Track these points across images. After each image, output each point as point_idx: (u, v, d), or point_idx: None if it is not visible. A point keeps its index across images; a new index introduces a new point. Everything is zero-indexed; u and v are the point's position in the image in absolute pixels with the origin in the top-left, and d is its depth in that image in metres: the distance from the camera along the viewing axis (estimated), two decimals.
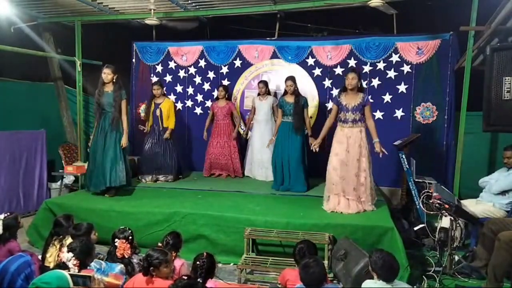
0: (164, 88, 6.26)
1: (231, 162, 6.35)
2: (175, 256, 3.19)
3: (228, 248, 4.21)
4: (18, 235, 3.57)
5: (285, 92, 5.55)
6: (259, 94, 6.27)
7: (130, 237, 3.34)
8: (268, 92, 6.25)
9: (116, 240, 3.27)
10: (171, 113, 6.04)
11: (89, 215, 4.42)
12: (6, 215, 3.41)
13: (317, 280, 2.62)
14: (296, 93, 5.48)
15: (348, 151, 4.40)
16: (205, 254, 2.83)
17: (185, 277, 2.53)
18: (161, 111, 5.98)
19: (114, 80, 5.03)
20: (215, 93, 6.54)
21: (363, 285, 2.74)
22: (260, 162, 6.18)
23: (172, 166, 6.09)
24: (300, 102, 5.45)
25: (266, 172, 6.12)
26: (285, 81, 5.51)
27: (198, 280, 2.64)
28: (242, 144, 6.64)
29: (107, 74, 4.99)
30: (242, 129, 6.78)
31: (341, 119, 4.53)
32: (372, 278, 2.74)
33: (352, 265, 3.31)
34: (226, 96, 6.38)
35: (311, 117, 6.22)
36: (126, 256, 3.23)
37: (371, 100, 4.92)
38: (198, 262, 2.77)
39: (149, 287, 2.65)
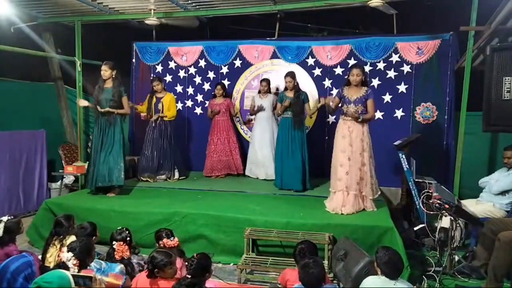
0: (164, 88, 6.27)
1: (232, 159, 6.37)
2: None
3: (228, 248, 4.20)
4: (17, 236, 3.56)
5: (286, 88, 5.56)
6: (259, 92, 6.28)
7: (128, 238, 3.35)
8: (269, 91, 6.26)
9: (114, 242, 3.28)
10: (171, 105, 6.08)
11: (89, 215, 4.41)
12: (9, 218, 3.39)
13: (316, 280, 2.62)
14: (296, 88, 5.48)
15: (351, 145, 4.41)
16: (195, 254, 2.83)
17: (189, 276, 2.53)
18: (163, 104, 6.01)
19: (113, 76, 5.05)
20: (215, 91, 6.52)
21: (365, 281, 2.75)
22: (260, 160, 6.18)
23: (172, 162, 6.09)
24: (300, 97, 5.43)
25: (266, 171, 6.13)
26: (285, 77, 5.51)
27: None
28: (243, 140, 6.65)
29: (104, 70, 5.01)
30: (241, 129, 6.81)
31: (343, 112, 4.53)
32: (373, 275, 2.77)
33: (352, 265, 3.31)
34: (224, 94, 6.39)
35: (311, 117, 6.23)
36: (125, 258, 3.24)
37: None
38: (187, 262, 2.79)
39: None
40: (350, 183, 4.41)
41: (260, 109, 6.14)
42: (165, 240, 3.37)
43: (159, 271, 2.66)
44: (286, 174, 5.44)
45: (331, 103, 4.73)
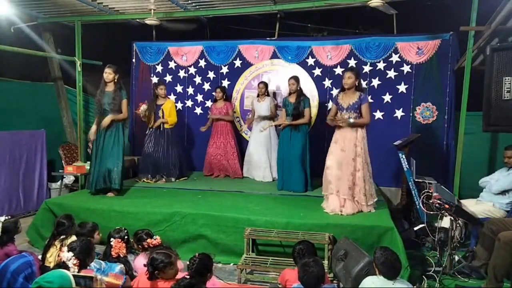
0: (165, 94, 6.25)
1: (229, 163, 6.36)
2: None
3: (228, 248, 4.20)
4: (17, 236, 3.57)
5: (289, 92, 5.55)
6: (258, 95, 6.27)
7: (126, 237, 3.36)
8: (267, 93, 6.25)
9: (111, 240, 3.28)
10: (172, 111, 6.05)
11: (89, 215, 4.41)
12: (6, 218, 3.40)
13: (315, 279, 2.62)
14: (298, 92, 5.47)
15: (344, 150, 4.37)
16: (197, 254, 2.82)
17: (187, 277, 2.53)
18: (163, 112, 5.99)
19: (115, 80, 5.05)
20: (215, 94, 6.52)
21: (365, 280, 2.75)
22: (257, 162, 6.18)
23: (173, 168, 6.08)
24: (302, 102, 5.43)
25: (264, 173, 6.14)
26: (288, 80, 5.51)
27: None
28: (241, 144, 6.64)
29: (108, 73, 5.01)
30: (241, 128, 6.80)
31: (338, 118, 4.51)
32: (373, 275, 2.77)
33: (352, 265, 3.31)
34: (224, 97, 6.38)
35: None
36: (122, 256, 3.24)
37: (370, 100, 4.87)
38: (188, 263, 2.79)
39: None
40: (341, 187, 4.37)
41: (262, 131, 6.10)
42: (149, 240, 3.38)
43: (160, 273, 2.65)
44: (288, 176, 5.45)
45: (330, 119, 4.59)
